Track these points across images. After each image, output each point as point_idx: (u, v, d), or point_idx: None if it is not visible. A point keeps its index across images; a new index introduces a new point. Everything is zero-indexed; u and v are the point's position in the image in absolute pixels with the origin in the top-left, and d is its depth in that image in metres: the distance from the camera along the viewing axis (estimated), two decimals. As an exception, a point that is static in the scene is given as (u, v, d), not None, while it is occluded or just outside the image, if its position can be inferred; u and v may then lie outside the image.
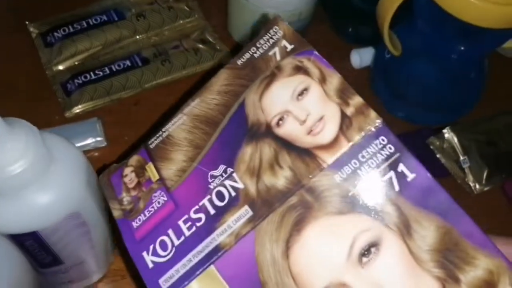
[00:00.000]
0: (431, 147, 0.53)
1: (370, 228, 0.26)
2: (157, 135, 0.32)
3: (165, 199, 0.29)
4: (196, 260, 0.27)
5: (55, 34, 0.55)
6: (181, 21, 0.59)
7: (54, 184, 0.30)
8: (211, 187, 0.28)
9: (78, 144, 0.49)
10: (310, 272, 0.26)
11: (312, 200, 0.26)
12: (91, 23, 0.56)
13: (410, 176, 0.25)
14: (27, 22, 0.57)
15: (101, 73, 0.53)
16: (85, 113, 0.52)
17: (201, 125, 0.30)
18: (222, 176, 0.28)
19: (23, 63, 0.55)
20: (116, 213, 0.31)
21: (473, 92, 0.55)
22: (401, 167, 0.26)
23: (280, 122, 0.28)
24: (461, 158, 0.52)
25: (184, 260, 0.27)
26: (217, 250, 0.27)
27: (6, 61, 0.54)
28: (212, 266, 0.27)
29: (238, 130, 0.29)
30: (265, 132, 0.28)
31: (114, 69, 0.54)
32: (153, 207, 0.29)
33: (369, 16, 0.51)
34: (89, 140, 0.49)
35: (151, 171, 0.31)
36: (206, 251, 0.27)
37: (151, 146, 0.32)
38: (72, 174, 0.32)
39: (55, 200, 0.31)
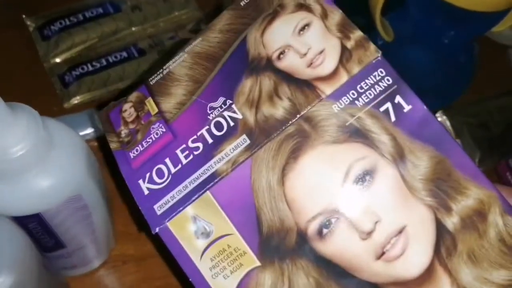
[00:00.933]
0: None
1: (366, 156, 0.26)
2: (158, 73, 0.32)
3: (164, 130, 0.29)
4: (192, 186, 0.27)
5: (52, 27, 0.55)
6: (176, 13, 0.59)
7: (56, 167, 0.31)
8: (210, 118, 0.29)
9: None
10: (304, 198, 0.26)
11: (309, 129, 0.27)
12: (87, 16, 0.56)
13: (406, 107, 0.26)
14: (24, 16, 0.57)
15: (98, 64, 0.54)
16: (83, 104, 0.52)
17: (202, 61, 0.30)
18: (221, 108, 0.28)
19: (21, 57, 0.55)
20: (114, 145, 0.31)
21: (464, 76, 0.56)
22: (398, 99, 0.26)
23: (281, 56, 0.28)
24: (454, 141, 0.52)
25: (180, 187, 0.28)
26: (213, 177, 0.27)
27: (4, 55, 0.54)
28: (208, 192, 0.27)
29: (238, 65, 0.29)
30: (265, 65, 0.28)
31: (111, 61, 0.54)
32: (151, 138, 0.30)
33: (361, 3, 0.52)
34: (89, 130, 0.49)
35: (150, 105, 0.31)
36: (203, 178, 0.27)
37: (151, 83, 0.32)
38: (73, 157, 0.32)
39: (57, 183, 0.31)
